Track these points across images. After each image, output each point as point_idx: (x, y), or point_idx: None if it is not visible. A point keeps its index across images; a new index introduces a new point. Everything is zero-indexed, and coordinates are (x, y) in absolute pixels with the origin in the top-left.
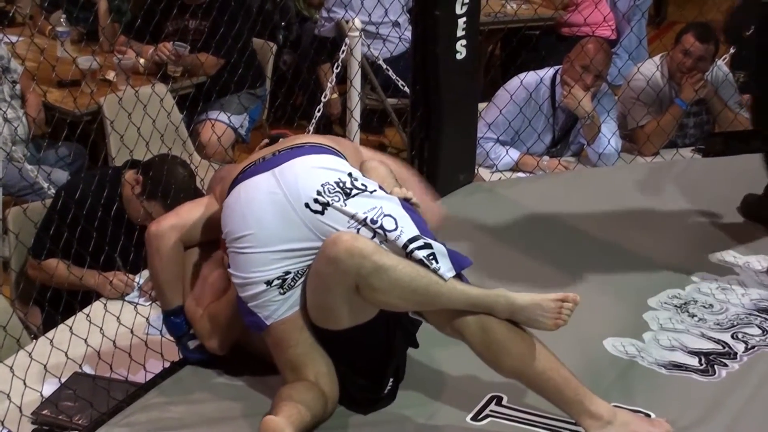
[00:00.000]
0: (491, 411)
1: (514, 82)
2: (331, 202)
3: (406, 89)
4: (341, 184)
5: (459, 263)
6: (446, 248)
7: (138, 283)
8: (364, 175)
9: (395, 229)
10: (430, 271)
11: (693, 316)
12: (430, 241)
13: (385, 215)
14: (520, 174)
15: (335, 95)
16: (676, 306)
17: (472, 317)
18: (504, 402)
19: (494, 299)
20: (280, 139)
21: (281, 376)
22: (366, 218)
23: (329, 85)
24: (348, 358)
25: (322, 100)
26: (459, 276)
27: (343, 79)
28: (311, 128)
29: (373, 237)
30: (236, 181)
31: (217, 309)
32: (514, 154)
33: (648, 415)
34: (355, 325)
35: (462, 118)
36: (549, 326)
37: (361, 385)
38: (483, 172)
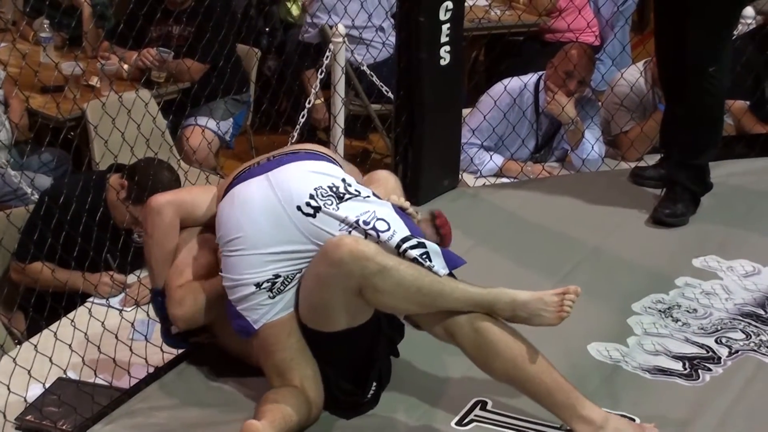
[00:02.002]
0: (476, 416)
1: (497, 88)
2: (323, 206)
3: (390, 95)
4: (334, 189)
5: (452, 262)
6: (440, 248)
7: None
8: (370, 185)
9: (387, 230)
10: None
11: (677, 320)
12: (423, 240)
13: (378, 219)
14: (504, 179)
15: (319, 101)
16: (660, 311)
17: (464, 318)
18: (488, 407)
19: (495, 296)
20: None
21: (267, 380)
22: (358, 220)
23: (313, 91)
24: (333, 361)
25: (307, 105)
26: (451, 276)
27: (327, 85)
28: (295, 134)
29: (366, 238)
30: (230, 186)
31: (201, 285)
32: (498, 159)
33: (632, 419)
34: (348, 327)
35: (446, 123)
36: (552, 320)
37: (345, 389)
38: (467, 178)
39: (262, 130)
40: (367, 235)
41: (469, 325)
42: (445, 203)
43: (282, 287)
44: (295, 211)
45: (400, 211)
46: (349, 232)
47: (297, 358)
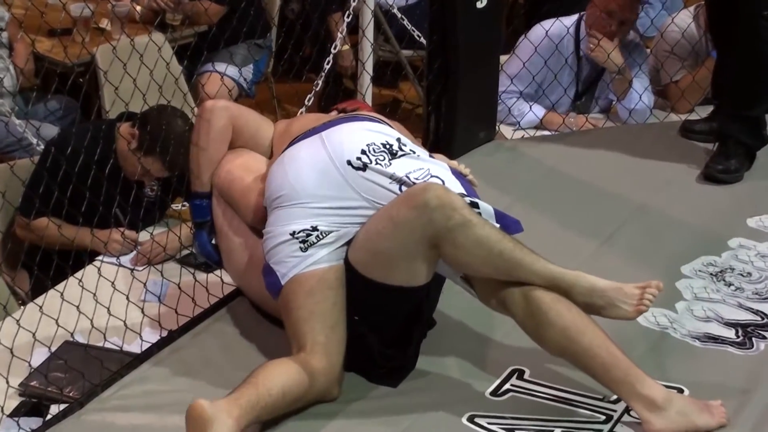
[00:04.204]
0: (512, 385)
1: (537, 31)
2: (374, 161)
3: (423, 40)
4: (387, 146)
5: (507, 227)
6: (495, 211)
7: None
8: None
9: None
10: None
11: (730, 284)
12: (477, 201)
13: (431, 176)
14: (545, 132)
15: (346, 46)
16: (711, 274)
17: (517, 287)
18: (526, 376)
19: (575, 278)
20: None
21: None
22: (408, 175)
23: (340, 35)
24: (378, 325)
25: (332, 51)
26: None
27: (354, 30)
28: (320, 81)
29: None
30: (285, 149)
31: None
32: (539, 110)
33: (681, 390)
34: (401, 286)
35: (482, 70)
36: (630, 312)
37: (388, 355)
38: (504, 130)
39: (284, 78)
40: None
41: (520, 292)
42: (481, 157)
43: (315, 240)
44: (345, 165)
45: (459, 174)
46: (399, 188)
47: (311, 321)
